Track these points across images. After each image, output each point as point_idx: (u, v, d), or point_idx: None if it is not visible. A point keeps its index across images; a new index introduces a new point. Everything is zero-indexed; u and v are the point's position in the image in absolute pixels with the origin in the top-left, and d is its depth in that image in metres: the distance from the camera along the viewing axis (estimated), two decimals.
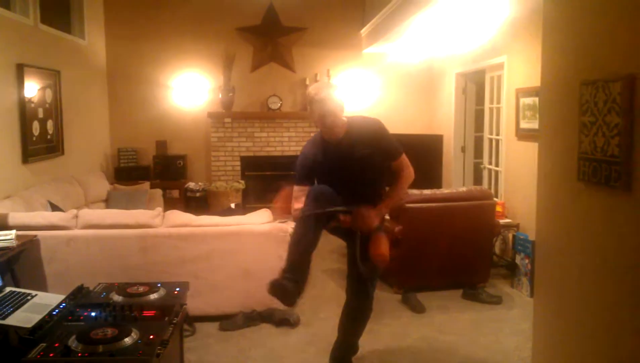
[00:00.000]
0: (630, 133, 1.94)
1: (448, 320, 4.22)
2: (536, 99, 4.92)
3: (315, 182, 3.09)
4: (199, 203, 7.49)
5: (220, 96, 7.82)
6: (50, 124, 5.81)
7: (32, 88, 5.40)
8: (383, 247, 2.84)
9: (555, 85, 2.54)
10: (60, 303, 2.42)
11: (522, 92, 5.24)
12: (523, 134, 5.28)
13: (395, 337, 3.90)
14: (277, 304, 4.09)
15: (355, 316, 3.28)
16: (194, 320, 3.93)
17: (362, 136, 2.98)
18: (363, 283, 3.15)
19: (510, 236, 5.29)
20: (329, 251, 5.85)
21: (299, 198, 2.97)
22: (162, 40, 7.85)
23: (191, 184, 7.64)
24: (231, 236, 4.07)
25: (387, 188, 3.16)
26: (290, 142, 8.06)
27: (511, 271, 5.05)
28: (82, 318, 2.32)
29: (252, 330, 3.99)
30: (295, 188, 3.04)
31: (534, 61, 4.93)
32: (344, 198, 2.92)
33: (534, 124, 4.97)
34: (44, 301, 2.45)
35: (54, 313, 2.32)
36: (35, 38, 5.61)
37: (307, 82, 8.02)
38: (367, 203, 2.96)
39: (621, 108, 1.97)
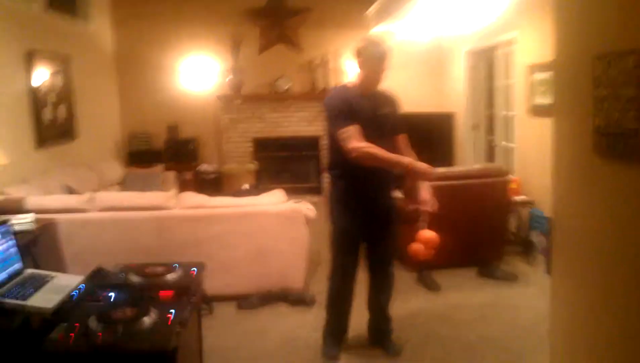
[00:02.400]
0: None
1: (463, 298, 4.23)
2: (549, 74, 4.85)
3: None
4: (212, 185, 7.53)
5: (228, 78, 7.80)
6: (61, 110, 5.84)
7: (43, 74, 5.42)
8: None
9: (569, 60, 2.50)
10: (80, 284, 2.44)
11: (535, 68, 5.17)
12: (536, 110, 5.21)
13: (410, 316, 3.92)
14: (292, 284, 4.15)
15: (383, 289, 3.42)
16: (211, 299, 3.97)
17: (387, 98, 3.25)
18: (388, 255, 3.38)
19: (525, 213, 5.26)
20: None
21: (353, 136, 2.95)
22: (169, 24, 7.82)
23: (204, 166, 7.67)
24: (245, 217, 4.09)
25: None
26: (301, 123, 8.05)
27: (527, 249, 5.03)
28: (101, 298, 2.35)
29: (268, 309, 4.03)
30: (341, 131, 2.98)
31: (546, 36, 4.84)
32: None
33: (547, 100, 4.91)
34: (64, 283, 2.48)
35: (74, 294, 2.35)
36: (44, 24, 5.62)
37: (315, 63, 7.97)
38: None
39: (636, 81, 1.94)
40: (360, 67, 3.11)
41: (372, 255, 3.37)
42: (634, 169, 1.99)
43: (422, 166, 2.92)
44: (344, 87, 3.23)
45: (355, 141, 2.94)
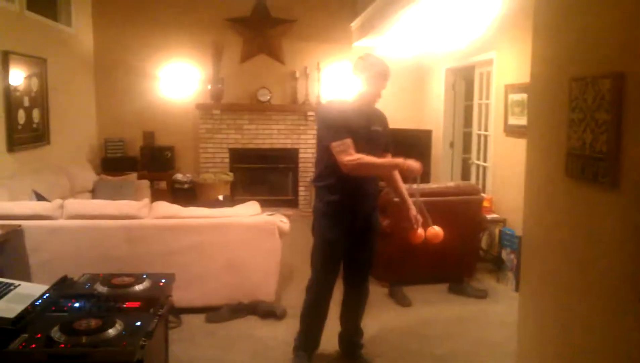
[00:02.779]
0: (618, 130, 1.95)
1: (434, 313, 4.24)
2: (525, 96, 4.94)
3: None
4: (187, 195, 7.45)
5: (209, 87, 7.77)
6: (36, 113, 5.74)
7: (18, 76, 5.32)
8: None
9: (545, 81, 2.54)
10: (44, 294, 2.38)
11: (511, 89, 5.25)
12: (511, 130, 5.30)
13: (381, 331, 3.91)
14: (263, 296, 4.11)
15: (359, 301, 3.44)
16: (180, 311, 3.91)
17: (379, 116, 3.33)
18: (367, 267, 3.39)
19: (496, 231, 5.31)
20: None
21: (348, 149, 2.99)
22: (151, 30, 7.77)
23: (179, 176, 7.60)
24: (218, 228, 4.06)
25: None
26: (279, 135, 8.03)
27: (497, 266, 5.08)
28: (65, 308, 2.28)
29: (238, 322, 3.98)
30: (338, 143, 2.99)
31: (523, 57, 4.94)
32: None
33: (522, 121, 4.99)
34: (27, 292, 2.41)
35: (37, 303, 2.28)
36: (21, 25, 5.53)
37: (297, 75, 7.99)
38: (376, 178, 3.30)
39: (610, 105, 1.98)
40: (362, 82, 3.15)
41: (351, 268, 3.37)
42: (606, 193, 2.02)
43: (414, 163, 3.07)
44: (341, 101, 3.29)
45: (349, 154, 2.98)
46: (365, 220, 3.25)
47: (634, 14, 1.89)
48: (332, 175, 3.11)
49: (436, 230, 3.39)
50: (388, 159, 3.15)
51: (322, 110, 3.22)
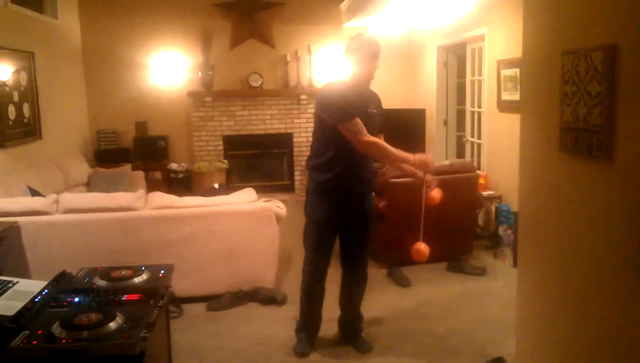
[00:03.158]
0: (612, 102, 1.94)
1: (433, 292, 4.27)
2: (517, 71, 4.92)
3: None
4: (182, 184, 7.44)
5: (199, 74, 7.71)
6: (26, 108, 5.69)
7: (6, 71, 5.27)
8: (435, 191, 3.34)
9: (537, 55, 2.53)
10: (43, 290, 2.37)
11: (503, 64, 5.23)
12: (505, 106, 5.28)
13: (381, 312, 3.93)
14: (263, 283, 4.12)
15: (357, 285, 3.43)
16: (181, 301, 3.92)
17: (374, 97, 3.31)
18: (363, 251, 3.37)
19: (492, 208, 5.33)
20: None
21: (362, 129, 3.00)
22: (138, 19, 7.68)
23: (173, 165, 7.57)
24: (215, 216, 4.05)
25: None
26: (273, 120, 7.99)
27: (494, 243, 5.10)
28: (65, 304, 2.28)
29: (239, 309, 3.99)
30: (352, 122, 2.98)
31: (514, 32, 4.91)
32: (355, 152, 3.07)
33: (515, 96, 4.97)
34: (26, 288, 2.40)
35: (36, 300, 2.28)
36: (6, 19, 5.45)
37: (288, 59, 7.93)
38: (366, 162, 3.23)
39: (603, 77, 1.97)
40: (354, 64, 3.13)
41: (347, 252, 3.38)
42: (600, 165, 2.02)
43: (426, 157, 3.12)
44: (342, 82, 3.21)
45: (365, 134, 2.99)
46: (358, 203, 3.24)
47: None
48: (324, 155, 3.11)
49: (421, 249, 3.40)
50: (402, 153, 3.10)
51: (326, 91, 3.15)
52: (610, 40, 1.93)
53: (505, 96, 5.25)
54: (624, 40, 1.88)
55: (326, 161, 3.12)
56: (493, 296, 4.14)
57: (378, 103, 3.30)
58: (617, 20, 1.92)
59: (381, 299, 4.14)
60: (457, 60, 7.03)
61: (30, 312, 2.17)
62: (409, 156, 3.10)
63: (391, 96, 7.97)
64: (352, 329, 3.48)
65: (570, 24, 2.22)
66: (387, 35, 7.97)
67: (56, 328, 2.02)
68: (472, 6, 5.85)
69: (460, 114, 6.99)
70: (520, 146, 2.71)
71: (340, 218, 3.21)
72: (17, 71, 5.52)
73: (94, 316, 2.10)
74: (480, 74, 5.99)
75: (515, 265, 4.49)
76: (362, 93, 3.17)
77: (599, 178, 2.04)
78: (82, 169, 6.43)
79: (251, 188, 4.42)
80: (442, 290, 4.32)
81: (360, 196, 3.25)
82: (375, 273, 4.65)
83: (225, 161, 7.73)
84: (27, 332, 2.01)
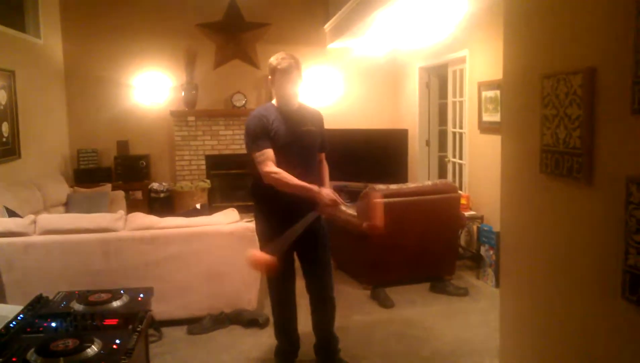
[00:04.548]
0: (591, 125, 1.97)
1: (416, 313, 4.25)
2: (498, 92, 4.98)
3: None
4: (164, 204, 7.35)
5: (182, 94, 7.70)
6: (5, 127, 5.61)
7: None
8: (378, 218, 3.22)
9: (517, 78, 2.56)
10: (18, 315, 2.32)
11: (484, 86, 5.30)
12: (485, 127, 5.34)
13: (364, 333, 3.90)
14: (245, 305, 4.07)
15: (325, 310, 3.32)
16: (161, 324, 3.85)
17: (311, 115, 3.23)
18: (323, 273, 3.27)
19: (474, 228, 5.35)
20: None
21: (266, 160, 2.99)
22: (122, 38, 7.66)
23: (155, 185, 7.49)
24: (197, 237, 4.00)
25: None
26: None
27: (476, 263, 5.11)
28: (41, 329, 2.23)
29: (221, 332, 3.93)
30: (259, 153, 3.02)
31: (495, 55, 4.98)
32: (297, 167, 3.03)
33: (496, 117, 5.03)
34: (1, 313, 2.35)
35: (12, 325, 2.22)
36: None
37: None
38: (313, 177, 3.13)
39: (582, 100, 1.99)
40: (271, 84, 3.13)
41: (308, 277, 3.30)
42: (580, 188, 2.04)
43: (327, 196, 2.94)
44: (265, 107, 3.22)
45: (268, 165, 2.98)
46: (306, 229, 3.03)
47: (605, 8, 1.90)
48: (262, 184, 3.06)
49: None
50: (304, 185, 2.96)
51: (247, 120, 3.17)
52: (589, 63, 1.97)
53: (486, 117, 5.31)
54: (602, 64, 1.91)
55: (266, 189, 3.06)
56: (476, 317, 4.14)
57: (317, 121, 3.23)
58: (595, 43, 1.95)
59: (365, 320, 4.12)
60: (439, 81, 7.11)
61: (5, 338, 2.12)
62: (312, 188, 2.97)
63: (374, 116, 8.06)
64: (328, 352, 3.38)
65: (550, 47, 2.25)
66: (371, 56, 8.06)
67: (31, 355, 1.98)
68: (454, 28, 5.94)
69: (442, 135, 7.05)
70: (502, 168, 2.73)
71: (295, 243, 3.02)
72: None
73: (70, 342, 2.05)
74: (461, 95, 6.06)
75: (497, 285, 4.50)
76: (290, 113, 3.12)
77: (579, 200, 2.06)
78: (61, 189, 6.33)
79: (233, 208, 4.39)
80: (425, 310, 4.31)
81: (308, 211, 3.05)
82: (359, 294, 4.63)
83: (208, 180, 7.68)
84: (1, 359, 1.96)
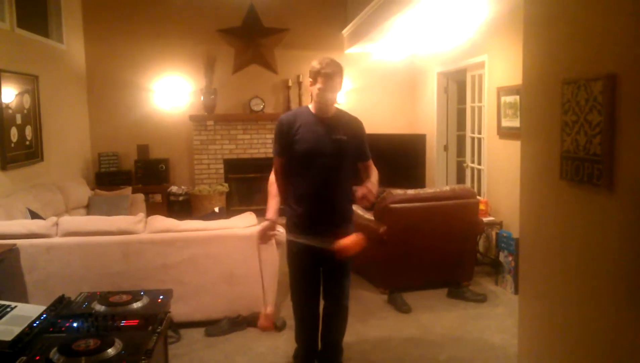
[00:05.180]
0: (612, 132, 1.96)
1: (434, 319, 4.23)
2: (517, 98, 4.95)
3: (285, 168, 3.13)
4: (182, 207, 7.43)
5: (202, 98, 7.77)
6: (28, 130, 5.72)
7: (9, 94, 5.31)
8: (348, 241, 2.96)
9: (537, 84, 2.55)
10: (41, 315, 2.36)
11: (503, 91, 5.27)
12: (504, 133, 5.31)
13: (381, 338, 3.90)
14: (262, 308, 4.08)
15: (336, 318, 3.26)
16: (179, 326, 3.89)
17: (347, 123, 3.12)
18: (338, 283, 3.21)
19: (493, 234, 5.31)
20: None
21: (274, 167, 3.13)
22: (142, 43, 7.76)
23: (174, 188, 7.57)
24: (215, 240, 4.03)
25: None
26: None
27: (495, 269, 5.07)
28: (63, 329, 2.27)
29: (238, 334, 3.96)
30: (276, 160, 3.13)
31: (514, 60, 4.95)
32: (316, 177, 3.02)
33: (515, 123, 5.00)
34: (24, 313, 2.39)
35: (35, 325, 2.26)
36: (12, 43, 5.51)
37: (290, 84, 8.00)
38: (337, 189, 3.08)
39: (602, 107, 1.99)
40: (310, 87, 3.05)
41: (326, 283, 3.22)
42: (601, 194, 2.02)
43: (268, 229, 3.05)
44: (299, 110, 3.19)
45: (272, 172, 3.12)
46: (331, 234, 3.00)
47: (624, 15, 1.89)
48: (291, 188, 3.11)
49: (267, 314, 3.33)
50: (269, 205, 3.09)
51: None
52: (609, 70, 1.96)
53: (506, 123, 5.28)
54: (623, 71, 1.90)
55: (295, 193, 3.11)
56: (494, 323, 4.10)
57: (351, 129, 3.12)
58: (616, 50, 1.94)
59: (382, 325, 4.11)
60: (458, 86, 7.09)
61: (28, 337, 2.16)
62: (267, 213, 3.07)
63: (392, 120, 8.06)
64: (327, 360, 3.31)
65: (570, 53, 2.25)
66: (389, 60, 8.07)
67: (54, 354, 2.01)
68: (472, 33, 5.92)
69: (461, 140, 7.02)
70: (521, 174, 2.72)
71: (317, 251, 3.02)
72: (21, 94, 5.56)
73: (92, 342, 2.09)
74: (480, 100, 6.03)
75: (516, 292, 4.46)
76: (326, 120, 3.05)
77: (600, 207, 2.04)
78: (82, 192, 6.43)
79: (251, 212, 4.41)
80: (443, 316, 4.29)
81: (332, 229, 3.04)
82: (376, 299, 4.63)
83: (226, 184, 7.74)
84: (25, 358, 2.00)
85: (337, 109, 3.15)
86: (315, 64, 3.00)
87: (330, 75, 2.95)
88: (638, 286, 1.80)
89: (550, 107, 2.35)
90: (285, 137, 3.06)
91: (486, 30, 5.62)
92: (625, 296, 1.88)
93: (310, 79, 3.03)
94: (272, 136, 7.93)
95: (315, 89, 3.00)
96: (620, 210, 1.92)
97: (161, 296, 2.63)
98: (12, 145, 5.34)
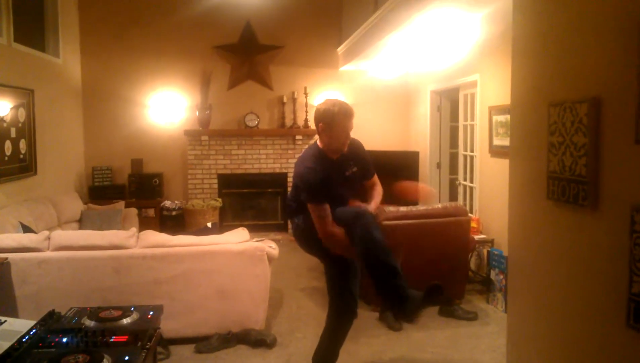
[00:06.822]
0: (596, 153, 1.99)
1: (425, 337, 4.23)
2: (508, 117, 5.00)
3: None
4: (176, 222, 7.43)
5: (197, 113, 7.81)
6: (23, 144, 5.73)
7: (4, 107, 5.33)
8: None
9: (524, 105, 2.60)
10: (31, 329, 2.36)
11: (494, 110, 5.33)
12: (496, 151, 5.36)
13: (372, 356, 3.89)
14: (253, 324, 4.09)
15: (344, 319, 3.33)
16: (169, 342, 3.88)
17: (353, 152, 3.14)
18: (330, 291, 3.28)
19: (485, 251, 5.34)
20: (307, 268, 5.84)
21: (325, 217, 2.92)
22: (139, 59, 7.82)
23: (167, 203, 7.57)
24: (207, 256, 4.04)
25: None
26: (268, 159, 8.06)
27: (486, 287, 5.09)
28: (53, 344, 2.27)
29: (228, 352, 3.94)
30: (317, 206, 2.93)
31: (506, 79, 5.01)
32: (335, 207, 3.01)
33: (507, 141, 5.05)
34: (14, 328, 2.39)
35: (24, 340, 2.26)
36: (9, 57, 5.55)
37: (285, 100, 8.06)
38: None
39: (587, 129, 2.03)
40: (322, 131, 2.99)
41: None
42: (586, 215, 2.05)
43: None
44: (313, 152, 3.08)
45: (326, 222, 2.91)
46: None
47: (610, 39, 1.94)
48: (302, 207, 3.07)
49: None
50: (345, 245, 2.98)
51: (299, 164, 3.09)
52: (594, 93, 2.00)
53: (497, 141, 5.33)
54: (608, 94, 1.95)
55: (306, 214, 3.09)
56: (484, 342, 4.11)
57: (357, 156, 3.16)
58: (601, 73, 1.99)
59: (373, 342, 4.11)
60: (451, 104, 7.16)
61: (18, 352, 2.16)
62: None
63: (386, 137, 8.12)
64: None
65: (557, 76, 2.29)
66: (383, 78, 8.15)
67: None
68: (465, 53, 6.00)
69: (453, 158, 7.07)
70: (509, 193, 2.75)
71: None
72: (16, 108, 5.59)
73: (81, 358, 2.09)
74: (472, 119, 6.09)
75: (506, 310, 4.47)
76: (336, 160, 3.07)
77: (585, 227, 2.07)
78: (75, 206, 6.43)
79: (244, 228, 4.43)
80: (434, 334, 4.29)
81: None
82: (367, 316, 4.62)
83: (219, 199, 7.75)
84: None
85: None
86: (328, 106, 2.96)
87: (347, 115, 2.95)
88: (624, 304, 1.83)
89: (537, 128, 2.39)
90: (323, 183, 2.95)
91: (478, 50, 5.70)
92: (612, 313, 1.91)
93: (320, 123, 2.97)
94: (267, 152, 8.00)
95: (332, 131, 2.95)
96: (606, 231, 1.95)
97: (151, 312, 2.63)
98: (6, 158, 5.35)
